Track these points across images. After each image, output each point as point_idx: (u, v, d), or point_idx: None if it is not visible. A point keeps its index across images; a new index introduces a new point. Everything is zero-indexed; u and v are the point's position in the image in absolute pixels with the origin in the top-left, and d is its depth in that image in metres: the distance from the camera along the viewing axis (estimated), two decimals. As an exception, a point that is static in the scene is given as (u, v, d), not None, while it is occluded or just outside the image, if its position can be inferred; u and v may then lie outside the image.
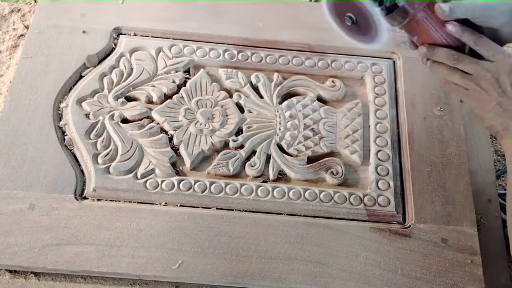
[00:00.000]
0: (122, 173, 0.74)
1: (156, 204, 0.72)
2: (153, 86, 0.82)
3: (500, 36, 0.63)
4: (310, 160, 0.78)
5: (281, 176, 0.77)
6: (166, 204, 0.73)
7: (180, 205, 0.73)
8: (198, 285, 0.70)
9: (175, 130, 0.78)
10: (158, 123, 0.79)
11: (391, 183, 0.77)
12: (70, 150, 0.76)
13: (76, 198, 0.72)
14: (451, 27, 0.62)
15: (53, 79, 0.80)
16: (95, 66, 0.83)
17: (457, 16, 0.61)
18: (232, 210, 0.73)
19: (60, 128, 0.78)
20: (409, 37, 0.67)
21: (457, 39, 0.63)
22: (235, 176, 0.76)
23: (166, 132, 0.79)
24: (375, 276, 0.69)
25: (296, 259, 0.70)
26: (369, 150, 0.80)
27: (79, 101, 0.79)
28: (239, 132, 0.80)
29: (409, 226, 0.73)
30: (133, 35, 0.87)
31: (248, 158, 0.78)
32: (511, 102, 0.60)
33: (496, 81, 0.60)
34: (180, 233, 0.70)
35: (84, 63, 0.83)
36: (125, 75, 0.83)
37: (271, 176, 0.76)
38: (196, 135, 0.78)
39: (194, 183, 0.74)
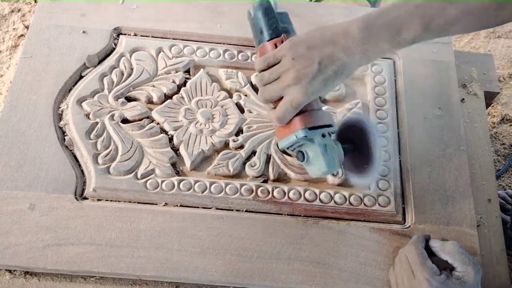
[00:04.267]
0: (122, 173, 0.74)
1: (156, 204, 0.73)
2: (153, 86, 0.82)
3: None
4: (310, 160, 0.78)
5: (281, 176, 0.77)
6: (166, 204, 0.73)
7: (180, 205, 0.73)
8: (198, 285, 0.70)
9: (175, 130, 0.78)
10: (158, 123, 0.79)
11: (391, 183, 0.76)
12: (70, 150, 0.76)
13: (76, 198, 0.72)
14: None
15: (53, 79, 0.80)
16: (95, 66, 0.83)
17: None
18: (232, 210, 0.73)
19: (60, 128, 0.78)
20: None
21: None
22: (235, 176, 0.76)
23: (166, 132, 0.79)
24: (375, 276, 0.69)
25: (296, 259, 0.70)
26: (369, 150, 0.79)
27: (79, 101, 0.79)
28: (239, 132, 0.80)
29: (409, 226, 0.73)
30: (133, 35, 0.87)
31: (248, 158, 0.78)
32: None
33: None
34: (180, 233, 0.70)
35: (84, 63, 0.83)
36: (125, 75, 0.83)
37: (271, 176, 0.76)
38: (196, 135, 0.78)
39: (194, 183, 0.74)
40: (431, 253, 0.65)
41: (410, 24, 0.58)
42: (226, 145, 0.79)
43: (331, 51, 0.61)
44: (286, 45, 0.63)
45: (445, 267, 0.63)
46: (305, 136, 0.63)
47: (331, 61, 0.61)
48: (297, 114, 0.63)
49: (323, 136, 0.64)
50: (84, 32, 0.85)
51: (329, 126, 0.65)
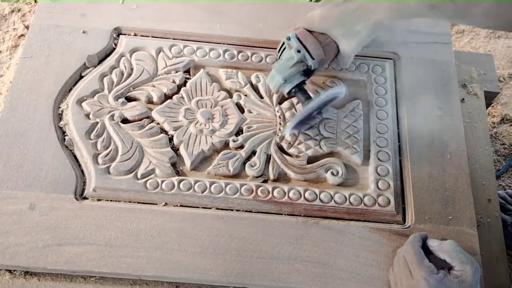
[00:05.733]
0: (122, 173, 0.74)
1: (156, 204, 0.73)
2: (153, 86, 0.82)
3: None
4: (310, 160, 0.78)
5: (281, 176, 0.77)
6: (166, 204, 0.73)
7: (180, 205, 0.73)
8: (198, 285, 0.70)
9: (175, 130, 0.78)
10: (158, 123, 0.79)
11: (391, 183, 0.76)
12: (70, 150, 0.76)
13: (76, 198, 0.72)
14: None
15: (53, 79, 0.81)
16: (95, 66, 0.83)
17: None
18: (232, 210, 0.73)
19: (60, 128, 0.78)
20: None
21: None
22: (235, 176, 0.76)
23: (166, 132, 0.79)
24: (375, 276, 0.69)
25: (296, 259, 0.70)
26: (369, 151, 0.80)
27: (79, 101, 0.79)
28: (239, 132, 0.80)
29: (409, 226, 0.73)
30: (133, 35, 0.87)
31: (248, 158, 0.78)
32: None
33: None
34: (180, 233, 0.70)
35: (84, 63, 0.83)
36: (125, 75, 0.83)
37: (271, 176, 0.76)
38: (196, 135, 0.78)
39: (194, 183, 0.74)
40: (428, 253, 0.65)
41: None
42: (226, 145, 0.79)
43: None
44: None
45: (443, 267, 0.63)
46: (288, 38, 0.74)
47: None
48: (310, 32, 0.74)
49: (298, 51, 0.73)
50: (84, 32, 0.85)
51: (313, 70, 0.75)
